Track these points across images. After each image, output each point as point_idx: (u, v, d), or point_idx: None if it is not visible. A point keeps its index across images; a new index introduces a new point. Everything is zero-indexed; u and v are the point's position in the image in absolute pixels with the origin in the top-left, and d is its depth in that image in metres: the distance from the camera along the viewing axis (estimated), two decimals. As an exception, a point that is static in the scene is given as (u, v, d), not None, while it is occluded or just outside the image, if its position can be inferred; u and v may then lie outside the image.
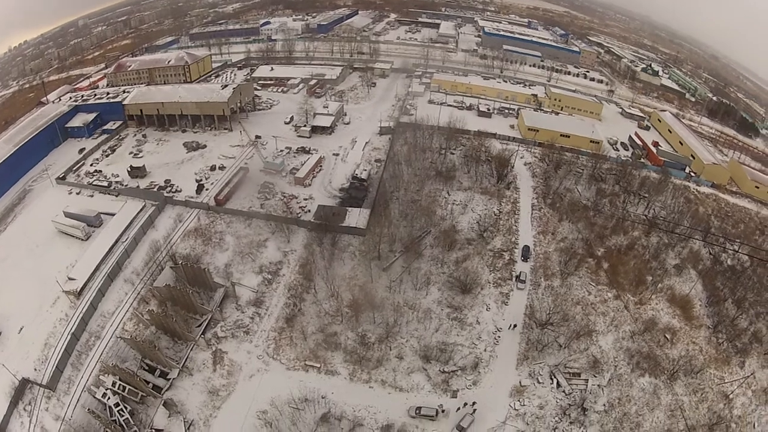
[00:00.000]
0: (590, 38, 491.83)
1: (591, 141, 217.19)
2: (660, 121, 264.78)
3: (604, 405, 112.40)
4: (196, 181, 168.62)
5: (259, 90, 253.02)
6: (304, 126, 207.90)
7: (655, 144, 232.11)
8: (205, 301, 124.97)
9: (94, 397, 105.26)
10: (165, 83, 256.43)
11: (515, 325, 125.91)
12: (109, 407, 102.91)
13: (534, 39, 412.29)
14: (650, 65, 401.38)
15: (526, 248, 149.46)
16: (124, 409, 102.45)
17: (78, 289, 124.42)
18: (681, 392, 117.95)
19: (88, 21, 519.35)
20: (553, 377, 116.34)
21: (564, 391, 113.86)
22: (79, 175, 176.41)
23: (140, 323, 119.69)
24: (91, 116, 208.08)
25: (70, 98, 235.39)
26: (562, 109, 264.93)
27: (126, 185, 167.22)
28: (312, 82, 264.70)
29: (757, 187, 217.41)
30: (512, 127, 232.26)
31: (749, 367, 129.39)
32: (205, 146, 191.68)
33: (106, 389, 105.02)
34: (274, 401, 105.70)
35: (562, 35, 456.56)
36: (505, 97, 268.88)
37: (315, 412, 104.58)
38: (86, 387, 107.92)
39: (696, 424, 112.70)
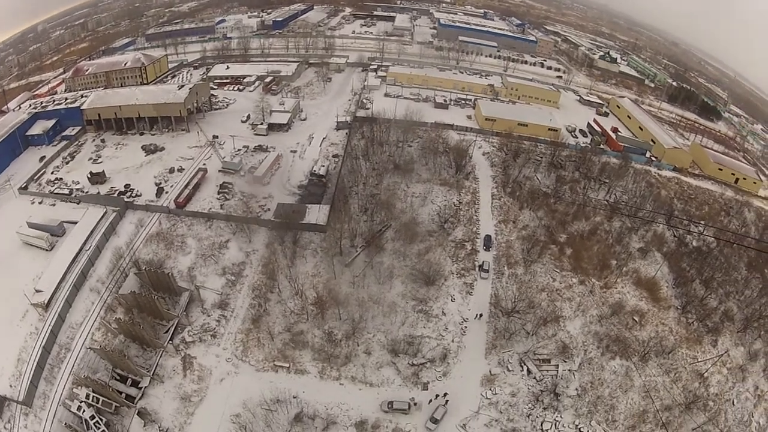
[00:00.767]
0: (547, 27, 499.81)
1: (549, 129, 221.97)
2: (619, 108, 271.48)
3: (576, 389, 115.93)
4: (156, 184, 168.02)
5: (215, 89, 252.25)
6: (261, 124, 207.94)
7: (615, 130, 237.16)
8: (170, 306, 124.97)
9: (70, 411, 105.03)
10: (122, 86, 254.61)
11: (481, 315, 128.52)
12: (85, 420, 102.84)
13: (490, 29, 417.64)
14: (608, 53, 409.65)
15: (487, 238, 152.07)
16: (99, 421, 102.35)
17: (45, 301, 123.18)
18: (654, 373, 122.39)
19: (47, 26, 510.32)
20: (522, 364, 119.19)
21: (535, 378, 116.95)
22: (40, 183, 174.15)
23: (108, 332, 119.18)
24: (50, 123, 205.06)
25: (30, 105, 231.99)
26: (519, 99, 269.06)
27: (87, 192, 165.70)
28: (267, 80, 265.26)
29: (720, 169, 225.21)
30: (469, 117, 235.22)
31: (722, 346, 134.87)
32: (163, 148, 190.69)
33: (81, 402, 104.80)
34: (246, 404, 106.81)
35: (518, 25, 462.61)
36: (461, 88, 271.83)
37: (288, 413, 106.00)
38: (61, 401, 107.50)
39: (672, 404, 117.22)
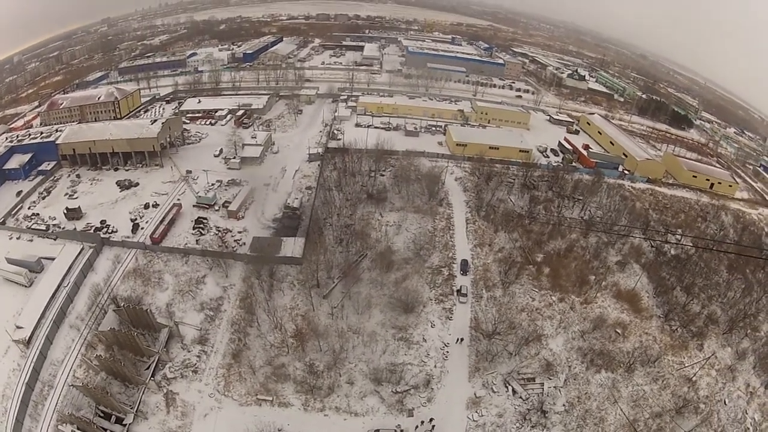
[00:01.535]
0: (514, 49, 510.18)
1: (520, 150, 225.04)
2: (589, 124, 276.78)
3: (564, 405, 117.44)
4: (131, 220, 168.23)
5: (187, 123, 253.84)
6: (234, 158, 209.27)
7: (586, 147, 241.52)
8: (150, 343, 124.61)
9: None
10: (96, 120, 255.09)
11: (462, 339, 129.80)
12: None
13: (458, 55, 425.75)
14: (576, 70, 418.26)
15: (464, 262, 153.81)
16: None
17: (27, 338, 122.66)
18: (641, 382, 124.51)
19: (23, 57, 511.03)
20: (507, 385, 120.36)
21: (521, 397, 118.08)
22: (18, 219, 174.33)
23: (90, 369, 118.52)
24: (26, 157, 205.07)
25: (6, 138, 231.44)
26: (489, 122, 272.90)
27: (63, 228, 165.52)
28: (239, 113, 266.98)
29: (695, 176, 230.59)
30: (440, 144, 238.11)
31: (708, 349, 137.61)
32: (137, 184, 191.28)
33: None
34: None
35: (486, 49, 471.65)
36: (431, 114, 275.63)
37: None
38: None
39: (662, 411, 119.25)
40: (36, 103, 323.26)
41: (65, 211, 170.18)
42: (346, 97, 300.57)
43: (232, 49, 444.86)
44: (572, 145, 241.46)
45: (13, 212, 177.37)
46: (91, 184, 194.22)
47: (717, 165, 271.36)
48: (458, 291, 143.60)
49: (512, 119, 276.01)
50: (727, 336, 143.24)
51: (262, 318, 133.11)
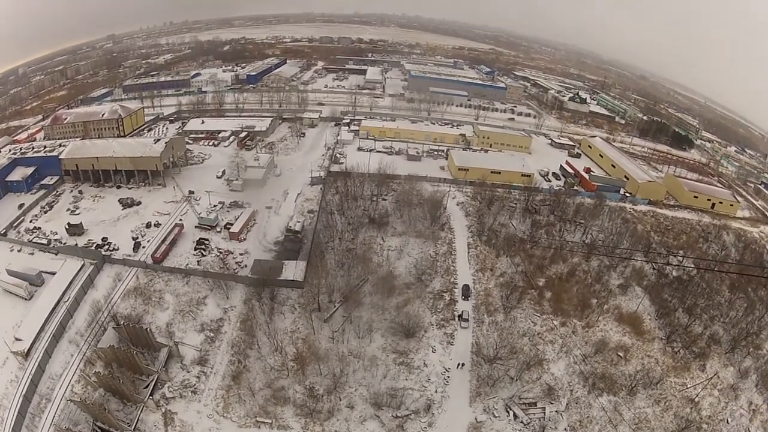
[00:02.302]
0: (516, 73, 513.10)
1: (522, 175, 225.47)
2: (590, 147, 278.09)
3: (565, 429, 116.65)
4: (133, 238, 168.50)
5: (190, 144, 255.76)
6: (236, 180, 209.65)
7: (587, 170, 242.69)
8: (150, 362, 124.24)
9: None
10: (99, 137, 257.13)
11: (463, 364, 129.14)
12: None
13: (460, 79, 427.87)
14: (577, 93, 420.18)
15: (465, 287, 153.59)
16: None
17: (25, 350, 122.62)
18: (643, 405, 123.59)
19: (28, 69, 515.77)
20: (508, 410, 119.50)
21: (522, 422, 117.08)
22: (19, 231, 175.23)
23: (88, 385, 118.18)
24: (29, 170, 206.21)
25: (10, 150, 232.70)
26: (491, 146, 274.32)
27: (65, 243, 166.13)
28: (242, 135, 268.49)
29: (696, 197, 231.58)
30: (443, 168, 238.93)
31: (711, 369, 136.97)
32: (139, 203, 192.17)
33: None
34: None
35: (488, 72, 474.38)
36: (433, 139, 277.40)
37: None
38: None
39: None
40: (40, 117, 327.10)
41: (67, 227, 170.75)
42: (348, 120, 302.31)
43: (236, 70, 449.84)
44: (574, 169, 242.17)
45: (14, 224, 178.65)
46: (94, 200, 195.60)
47: (718, 184, 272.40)
48: (459, 316, 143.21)
49: (514, 143, 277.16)
50: (729, 355, 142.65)
51: (263, 340, 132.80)
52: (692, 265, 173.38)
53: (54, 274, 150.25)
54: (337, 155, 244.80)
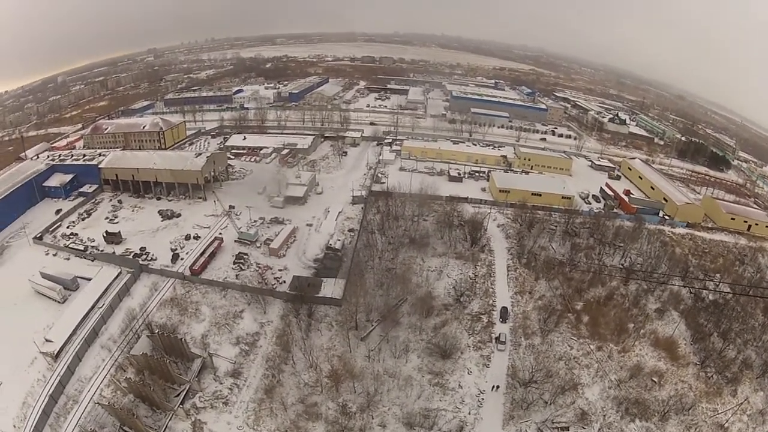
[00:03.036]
0: (556, 94, 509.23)
1: (563, 197, 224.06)
2: (630, 169, 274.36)
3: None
4: (171, 250, 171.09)
5: (232, 159, 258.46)
6: (278, 196, 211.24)
7: (627, 192, 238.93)
8: (182, 371, 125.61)
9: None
10: (140, 148, 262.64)
11: (498, 387, 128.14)
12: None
13: (501, 100, 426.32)
14: (617, 114, 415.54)
15: (504, 309, 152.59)
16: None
17: (55, 352, 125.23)
18: (674, 431, 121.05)
19: (67, 78, 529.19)
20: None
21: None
22: (55, 236, 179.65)
23: (118, 390, 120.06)
24: (68, 177, 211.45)
25: (48, 156, 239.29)
26: (532, 168, 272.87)
27: (102, 251, 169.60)
28: (284, 152, 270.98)
29: (733, 219, 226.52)
30: (484, 190, 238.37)
31: (742, 394, 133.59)
32: (179, 215, 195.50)
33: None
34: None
35: (528, 93, 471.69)
36: (474, 160, 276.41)
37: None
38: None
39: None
40: (80, 125, 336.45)
41: (105, 235, 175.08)
42: (390, 140, 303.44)
43: (278, 87, 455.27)
44: (613, 191, 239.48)
45: (50, 229, 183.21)
46: (133, 210, 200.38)
47: (754, 206, 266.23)
48: (497, 338, 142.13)
49: (555, 165, 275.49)
50: (760, 380, 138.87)
51: (298, 356, 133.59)
52: (729, 290, 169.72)
53: (89, 280, 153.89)
54: (379, 175, 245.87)
